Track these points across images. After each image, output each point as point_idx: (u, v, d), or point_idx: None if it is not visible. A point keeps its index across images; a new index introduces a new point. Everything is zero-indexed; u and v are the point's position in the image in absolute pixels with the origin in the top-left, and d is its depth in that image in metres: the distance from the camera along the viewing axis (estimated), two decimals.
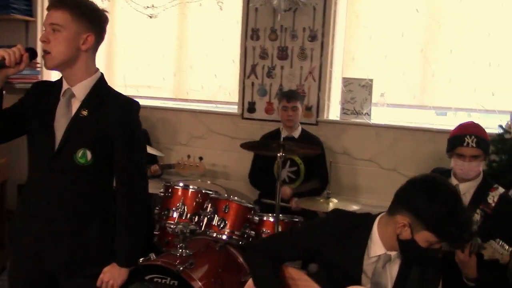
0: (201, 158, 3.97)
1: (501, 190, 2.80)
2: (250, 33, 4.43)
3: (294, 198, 3.68)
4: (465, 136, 2.75)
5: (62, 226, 2.04)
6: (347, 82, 4.20)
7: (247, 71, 4.48)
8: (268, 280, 1.99)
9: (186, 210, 3.18)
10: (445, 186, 1.83)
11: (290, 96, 3.84)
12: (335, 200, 3.22)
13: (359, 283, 1.94)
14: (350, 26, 4.18)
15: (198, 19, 4.62)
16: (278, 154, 2.95)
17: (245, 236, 3.10)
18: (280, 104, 3.91)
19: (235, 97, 4.59)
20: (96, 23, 2.06)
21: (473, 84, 3.82)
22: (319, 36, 4.22)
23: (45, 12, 2.08)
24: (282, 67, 4.36)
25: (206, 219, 3.07)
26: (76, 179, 2.04)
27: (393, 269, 1.96)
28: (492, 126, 3.80)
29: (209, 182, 4.31)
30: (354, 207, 3.15)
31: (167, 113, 4.78)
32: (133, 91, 4.86)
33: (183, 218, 3.18)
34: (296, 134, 3.92)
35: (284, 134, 3.88)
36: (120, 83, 4.89)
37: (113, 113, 2.05)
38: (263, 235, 3.18)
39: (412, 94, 4.02)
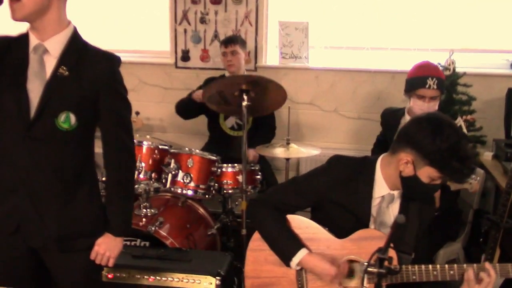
0: (137, 113, 3.77)
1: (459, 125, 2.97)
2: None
3: (250, 149, 3.63)
4: (427, 78, 2.85)
5: (47, 198, 1.84)
6: (284, 26, 4.15)
7: (178, 18, 4.25)
8: (280, 231, 1.96)
9: (143, 167, 3.03)
10: (448, 122, 1.88)
11: (227, 41, 3.71)
12: (294, 146, 3.23)
13: (367, 225, 1.98)
14: None
15: None
16: (244, 103, 2.85)
17: (211, 189, 3.03)
18: (220, 51, 3.78)
19: (166, 45, 4.36)
20: None
21: (408, 23, 3.94)
22: None
23: None
24: (216, 12, 4.19)
25: (170, 175, 2.95)
26: (59, 146, 1.83)
27: (395, 208, 2.02)
28: None
29: (148, 136, 4.12)
30: (314, 152, 3.18)
31: None
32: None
33: (142, 176, 3.02)
34: None
35: None
36: None
37: (95, 69, 1.84)
38: (226, 186, 3.14)
39: (350, 36, 4.07)
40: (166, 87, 4.36)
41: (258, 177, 3.26)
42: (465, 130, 3.18)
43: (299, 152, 3.19)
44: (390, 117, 3.17)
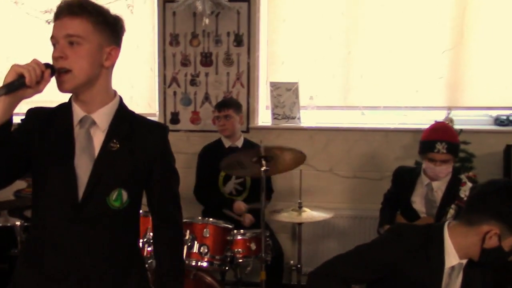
0: None
1: (469, 184, 2.98)
2: (169, 39, 4.13)
3: (247, 214, 3.52)
4: (436, 143, 2.87)
5: (99, 286, 1.66)
6: (275, 87, 4.15)
7: (168, 80, 4.17)
8: None
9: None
10: None
11: (220, 105, 3.67)
12: (307, 210, 3.14)
13: None
14: (276, 30, 4.12)
15: None
16: (262, 169, 2.77)
17: (227, 260, 2.88)
18: (214, 115, 3.73)
19: (155, 108, 4.24)
20: (118, 34, 1.70)
21: (398, 83, 4.03)
22: (245, 40, 4.09)
23: None
24: (206, 74, 4.15)
25: (185, 247, 2.78)
26: (109, 227, 1.67)
27: (460, 276, 1.96)
28: (418, 121, 4.08)
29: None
30: (327, 215, 3.10)
31: None
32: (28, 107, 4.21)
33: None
34: (240, 143, 3.75)
35: (227, 144, 3.71)
36: None
37: (146, 141, 1.72)
38: (238, 255, 2.99)
39: (343, 96, 4.11)
40: None
41: (269, 243, 3.13)
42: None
43: (312, 216, 3.10)
44: (405, 176, 3.16)
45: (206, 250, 2.78)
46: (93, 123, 1.67)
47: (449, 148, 2.88)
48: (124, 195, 1.67)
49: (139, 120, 1.80)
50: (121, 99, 1.76)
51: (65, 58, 1.57)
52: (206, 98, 4.15)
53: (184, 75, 4.15)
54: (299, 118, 4.14)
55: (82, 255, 1.64)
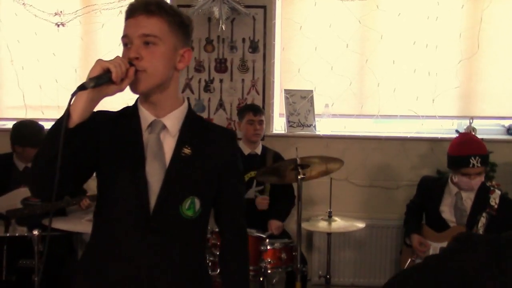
0: None
1: (498, 191, 2.98)
2: None
3: (274, 220, 3.45)
4: (470, 158, 2.86)
5: None
6: (290, 94, 4.10)
7: (181, 86, 4.08)
8: None
9: None
10: None
11: (256, 109, 3.60)
12: (337, 219, 3.09)
13: None
14: (293, 37, 4.07)
15: (117, 27, 4.04)
16: (299, 177, 2.71)
17: (262, 271, 2.80)
18: (244, 119, 3.61)
19: None
20: (189, 36, 1.63)
21: (415, 92, 4.03)
22: (261, 47, 4.04)
23: None
24: (221, 80, 4.07)
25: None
26: (180, 237, 1.59)
27: None
28: (433, 130, 4.09)
29: None
30: (360, 225, 3.05)
31: None
32: (36, 113, 4.08)
33: None
34: (259, 150, 3.68)
35: (246, 151, 3.63)
36: (18, 104, 4.07)
37: (217, 147, 1.64)
38: (269, 266, 2.91)
39: (360, 104, 4.08)
40: None
41: (296, 254, 3.06)
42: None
43: (342, 226, 3.04)
44: (432, 186, 3.14)
45: None
46: (163, 127, 1.59)
47: (483, 161, 2.88)
48: (197, 203, 1.58)
49: (209, 126, 1.74)
50: (189, 103, 1.69)
51: (140, 59, 1.48)
52: (220, 105, 4.07)
53: (198, 81, 4.07)
54: (314, 126, 4.10)
55: (151, 267, 1.55)
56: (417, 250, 3.02)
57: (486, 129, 4.07)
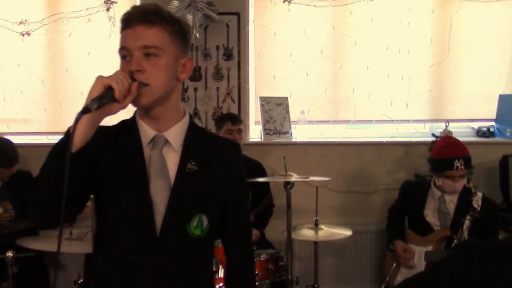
0: None
1: (480, 194, 3.02)
2: None
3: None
4: (454, 160, 2.88)
5: None
6: (265, 101, 4.06)
7: None
8: None
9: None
10: None
11: (235, 119, 3.53)
12: (324, 227, 3.05)
13: None
14: (267, 43, 4.03)
15: (86, 37, 3.91)
16: (288, 186, 2.66)
17: None
18: (222, 128, 3.54)
19: None
20: (189, 44, 1.56)
21: (389, 97, 4.06)
22: (235, 54, 3.98)
23: None
24: (195, 89, 3.99)
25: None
26: (188, 257, 1.51)
27: None
28: (408, 134, 4.13)
29: None
30: (347, 233, 3.03)
31: None
32: (1, 127, 3.88)
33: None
34: None
35: None
36: None
37: (222, 160, 1.58)
38: (256, 278, 2.85)
39: (335, 110, 4.08)
40: None
41: (283, 264, 3.02)
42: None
43: (330, 234, 3.01)
44: (414, 190, 3.15)
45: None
46: (166, 142, 1.51)
47: (466, 163, 2.91)
48: (205, 221, 1.52)
49: (212, 138, 1.67)
50: (190, 115, 1.61)
51: (142, 72, 1.40)
52: (195, 114, 3.98)
53: None
54: (290, 133, 4.07)
55: None
56: (400, 257, 3.02)
57: (456, 132, 4.14)
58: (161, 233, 1.46)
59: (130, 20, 1.44)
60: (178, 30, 1.48)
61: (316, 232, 3.01)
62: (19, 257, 2.87)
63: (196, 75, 3.97)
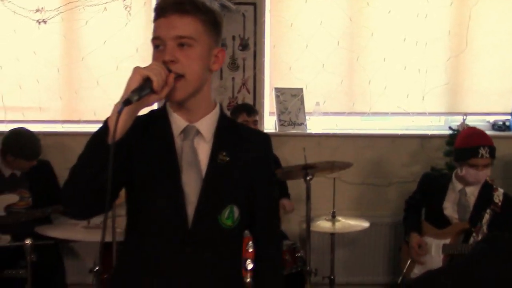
0: None
1: (501, 190, 3.01)
2: None
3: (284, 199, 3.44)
4: (479, 148, 2.87)
5: None
6: (280, 92, 4.05)
7: None
8: None
9: None
10: None
11: (250, 110, 3.52)
12: (340, 219, 3.05)
13: None
14: (283, 34, 4.01)
15: (102, 25, 3.90)
16: (308, 177, 2.66)
17: None
18: (237, 119, 3.50)
19: None
20: (221, 34, 1.55)
21: (405, 89, 4.04)
22: (251, 45, 3.96)
23: None
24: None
25: None
26: (219, 248, 1.51)
27: None
28: (423, 127, 4.12)
29: None
30: (365, 225, 3.03)
31: (67, 139, 3.93)
32: (17, 115, 3.89)
33: None
34: None
35: None
36: None
37: (253, 151, 1.57)
38: None
39: (350, 101, 4.06)
40: None
41: (299, 255, 3.02)
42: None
43: (348, 226, 3.01)
44: (435, 182, 3.15)
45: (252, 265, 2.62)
46: (197, 133, 1.50)
47: (491, 152, 2.89)
48: (236, 212, 1.51)
49: (243, 129, 1.66)
50: (221, 106, 1.60)
51: (176, 62, 1.39)
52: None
53: None
54: (305, 125, 4.06)
55: (188, 280, 1.47)
56: (413, 250, 3.01)
57: (472, 125, 4.11)
58: (193, 224, 1.45)
59: (164, 9, 1.43)
60: (211, 20, 1.47)
61: (333, 224, 3.00)
62: (37, 244, 2.88)
63: None
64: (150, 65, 1.35)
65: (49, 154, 3.74)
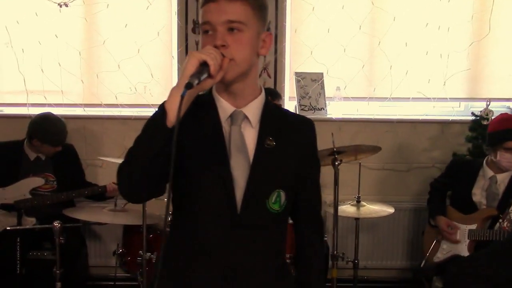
0: None
1: None
2: (191, 26, 3.91)
3: None
4: None
5: None
6: (300, 77, 4.04)
7: None
8: None
9: None
10: None
11: (275, 94, 3.50)
12: (366, 204, 3.06)
13: None
14: (305, 18, 3.99)
15: (122, 8, 3.89)
16: (336, 163, 2.67)
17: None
18: None
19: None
20: (267, 19, 1.55)
21: (426, 74, 4.02)
22: (272, 29, 3.94)
23: None
24: None
25: None
26: (267, 232, 1.53)
27: None
28: (444, 113, 4.11)
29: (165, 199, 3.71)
30: (390, 210, 3.04)
31: (89, 123, 3.96)
32: (39, 98, 3.90)
33: None
34: None
35: None
36: (19, 89, 3.88)
37: (298, 137, 1.58)
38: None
39: (371, 86, 4.05)
40: None
41: (325, 238, 3.04)
42: None
43: (373, 211, 3.02)
44: (464, 168, 3.15)
45: None
46: (245, 118, 1.51)
47: None
48: (283, 196, 1.52)
49: (288, 114, 1.67)
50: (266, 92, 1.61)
51: (227, 46, 1.40)
52: None
53: None
54: (325, 110, 4.06)
55: (238, 263, 1.49)
56: (445, 233, 3.03)
57: (493, 111, 4.11)
58: (241, 209, 1.47)
59: None
60: (259, 4, 1.47)
61: (358, 208, 3.02)
62: (65, 227, 2.91)
63: None
64: (206, 49, 1.35)
65: (71, 137, 3.76)
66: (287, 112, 1.70)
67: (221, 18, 1.40)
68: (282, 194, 1.52)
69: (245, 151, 1.49)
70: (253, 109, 1.52)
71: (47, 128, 3.34)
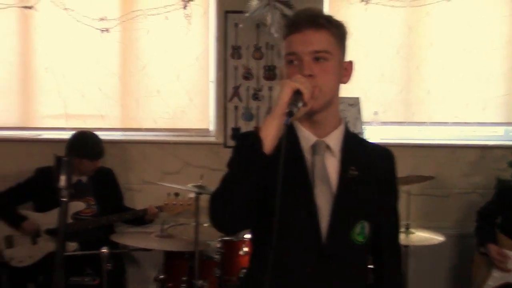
0: (199, 194, 3.35)
1: None
2: (230, 51, 3.94)
3: None
4: None
5: None
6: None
7: (229, 94, 3.97)
8: None
9: None
10: None
11: None
12: (414, 231, 3.02)
13: None
14: None
15: (162, 33, 3.93)
16: None
17: None
18: None
19: (208, 123, 4.03)
20: (347, 47, 1.55)
21: (464, 99, 4.01)
22: None
23: None
24: (270, 88, 3.98)
25: None
26: (351, 264, 1.51)
27: None
28: (483, 137, 4.08)
29: (205, 225, 3.69)
30: (440, 238, 3.00)
31: (128, 147, 3.96)
32: (78, 122, 3.92)
33: None
34: None
35: None
36: (58, 113, 3.91)
37: (379, 168, 1.58)
38: None
39: (409, 111, 4.04)
40: (214, 168, 3.98)
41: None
42: None
43: (423, 238, 2.98)
44: None
45: None
46: (327, 148, 1.50)
47: None
48: (367, 227, 1.51)
49: (367, 144, 1.66)
50: (346, 121, 1.61)
51: (314, 76, 1.41)
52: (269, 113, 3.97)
53: (246, 89, 3.96)
54: (362, 134, 4.04)
55: None
56: (496, 261, 2.98)
57: None
58: (326, 240, 1.45)
59: (298, 24, 1.45)
60: (342, 33, 1.50)
61: (407, 235, 2.98)
62: (113, 253, 2.90)
63: (270, 74, 3.96)
64: (297, 78, 1.37)
65: (110, 161, 3.77)
66: (366, 141, 1.69)
67: (307, 49, 1.42)
68: (366, 225, 1.50)
69: (328, 181, 1.49)
70: (335, 139, 1.52)
71: (83, 142, 3.37)
